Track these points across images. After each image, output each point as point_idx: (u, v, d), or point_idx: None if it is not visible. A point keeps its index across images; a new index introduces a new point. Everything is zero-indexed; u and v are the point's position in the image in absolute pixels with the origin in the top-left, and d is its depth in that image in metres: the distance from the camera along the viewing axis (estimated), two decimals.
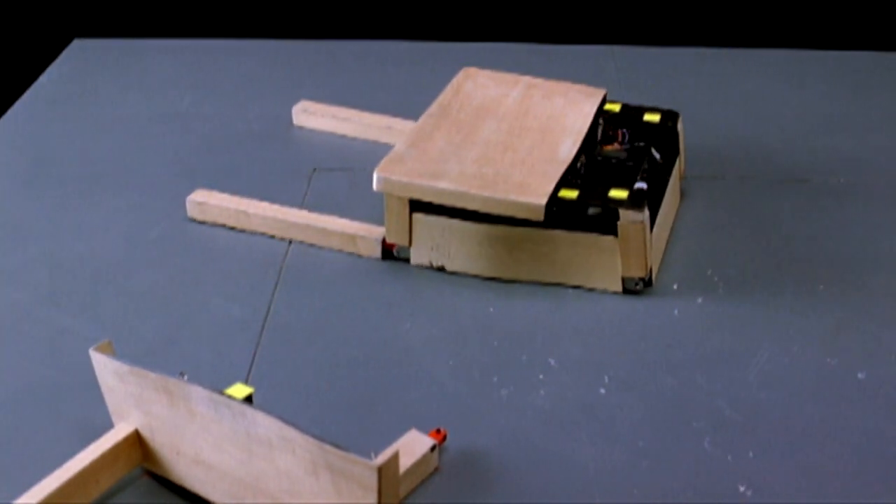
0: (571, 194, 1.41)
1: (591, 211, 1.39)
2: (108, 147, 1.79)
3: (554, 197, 1.40)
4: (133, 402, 1.12)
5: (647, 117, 1.58)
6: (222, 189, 1.62)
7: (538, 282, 1.44)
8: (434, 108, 1.60)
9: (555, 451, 1.17)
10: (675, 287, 1.43)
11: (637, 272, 1.40)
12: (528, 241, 1.43)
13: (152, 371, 1.08)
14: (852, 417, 1.21)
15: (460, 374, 1.28)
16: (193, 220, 1.58)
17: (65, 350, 1.32)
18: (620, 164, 1.48)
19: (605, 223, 1.39)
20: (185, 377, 1.08)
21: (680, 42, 2.18)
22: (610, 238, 1.39)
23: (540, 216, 1.38)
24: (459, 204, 1.42)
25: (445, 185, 1.42)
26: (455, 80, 1.67)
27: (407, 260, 1.49)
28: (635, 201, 1.39)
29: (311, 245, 1.52)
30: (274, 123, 1.85)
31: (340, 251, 1.51)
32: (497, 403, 1.24)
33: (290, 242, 1.53)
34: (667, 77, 2.01)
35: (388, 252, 1.49)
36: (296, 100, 1.89)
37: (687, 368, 1.29)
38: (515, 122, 1.56)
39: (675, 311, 1.39)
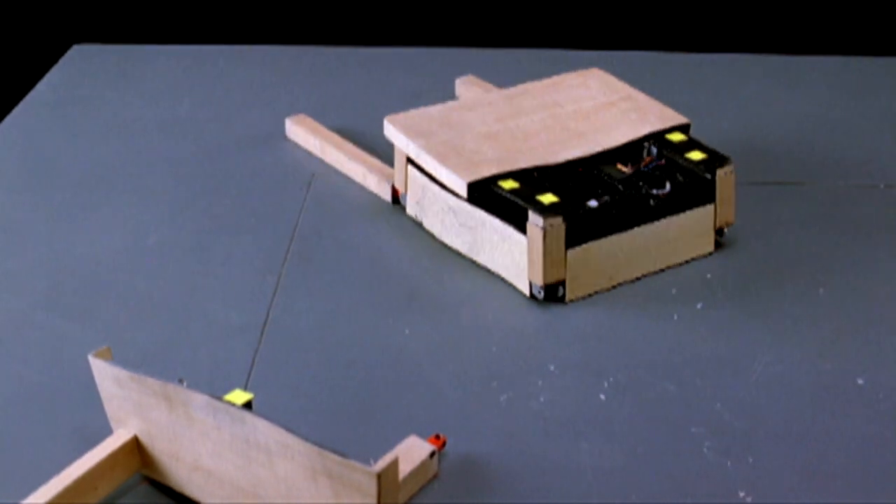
0: (508, 185, 1.42)
1: (512, 204, 1.40)
2: (107, 153, 1.79)
3: (491, 184, 1.42)
4: (132, 408, 1.11)
5: (690, 155, 1.50)
6: (220, 193, 1.64)
7: (471, 261, 1.47)
8: (517, 88, 1.62)
9: (554, 457, 1.17)
10: (673, 292, 1.43)
11: (537, 278, 1.39)
12: (469, 219, 1.45)
13: (151, 377, 1.08)
14: (852, 423, 1.21)
15: (459, 380, 1.28)
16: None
17: (63, 356, 1.32)
18: (604, 184, 1.45)
19: (522, 222, 1.39)
20: (185, 383, 1.08)
21: (679, 47, 2.18)
22: (523, 238, 1.39)
23: (462, 192, 1.43)
24: (420, 164, 1.49)
25: (418, 145, 1.48)
26: (576, 73, 1.66)
27: (405, 208, 1.57)
28: (551, 209, 1.37)
29: (313, 244, 1.52)
30: (273, 129, 1.85)
31: (361, 187, 1.55)
32: (496, 409, 1.24)
33: (289, 248, 1.52)
34: (665, 82, 2.01)
35: (396, 198, 1.59)
36: (296, 105, 1.88)
37: (686, 373, 1.29)
38: (564, 122, 1.55)
39: (675, 317, 1.38)
